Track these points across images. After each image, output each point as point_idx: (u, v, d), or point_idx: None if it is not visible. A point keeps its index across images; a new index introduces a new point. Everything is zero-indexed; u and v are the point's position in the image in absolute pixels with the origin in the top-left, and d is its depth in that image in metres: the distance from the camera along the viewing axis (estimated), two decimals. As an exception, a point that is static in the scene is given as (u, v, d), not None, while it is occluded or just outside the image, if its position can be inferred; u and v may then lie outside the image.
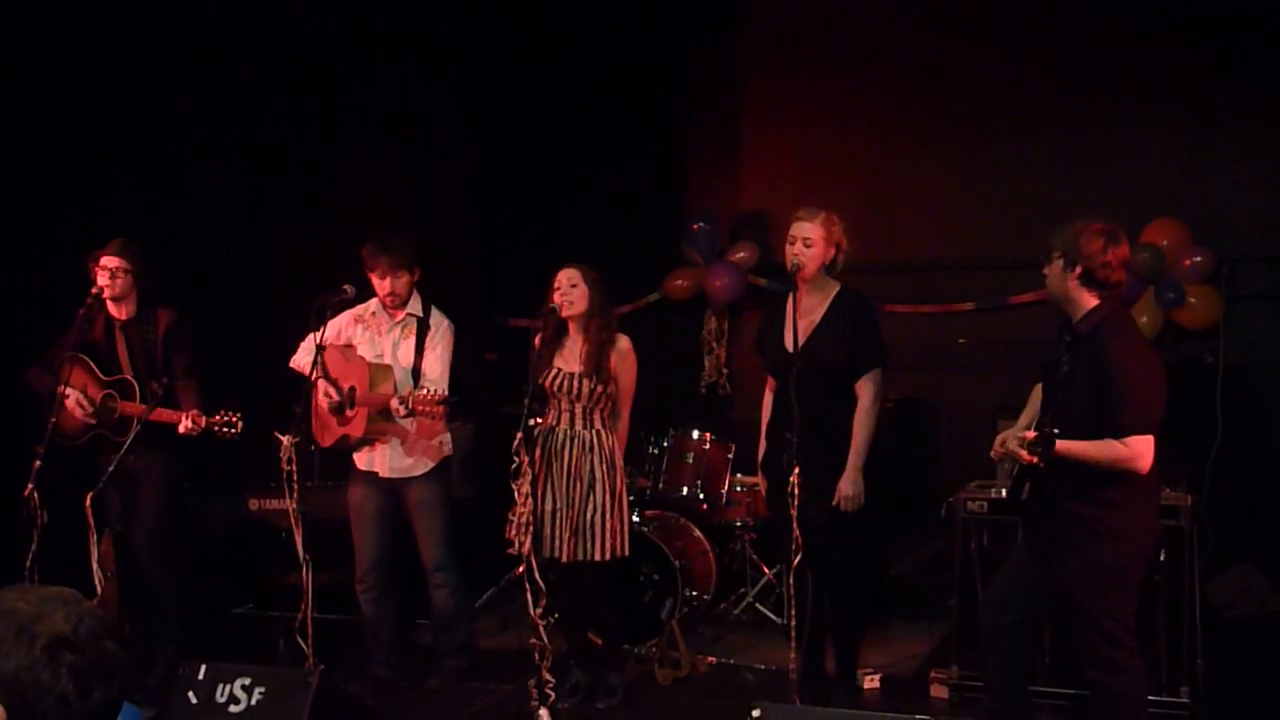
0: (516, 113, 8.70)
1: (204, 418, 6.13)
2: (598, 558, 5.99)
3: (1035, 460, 4.40)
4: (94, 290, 6.35)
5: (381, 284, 6.30)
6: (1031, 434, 4.43)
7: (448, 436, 6.49)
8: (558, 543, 5.97)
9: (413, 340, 6.36)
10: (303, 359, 6.42)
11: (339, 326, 6.42)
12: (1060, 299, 4.77)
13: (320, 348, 6.06)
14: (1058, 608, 4.83)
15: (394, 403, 6.01)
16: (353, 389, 6.20)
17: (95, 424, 6.34)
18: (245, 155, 8.41)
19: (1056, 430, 4.37)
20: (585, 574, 6.06)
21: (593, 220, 8.58)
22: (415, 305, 6.41)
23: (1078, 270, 4.65)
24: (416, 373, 6.30)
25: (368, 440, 6.32)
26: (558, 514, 5.98)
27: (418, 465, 6.38)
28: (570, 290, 6.01)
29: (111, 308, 6.45)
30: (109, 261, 6.36)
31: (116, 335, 6.47)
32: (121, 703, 2.48)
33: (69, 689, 2.35)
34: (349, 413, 6.23)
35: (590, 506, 5.97)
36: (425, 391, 5.96)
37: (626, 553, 6.15)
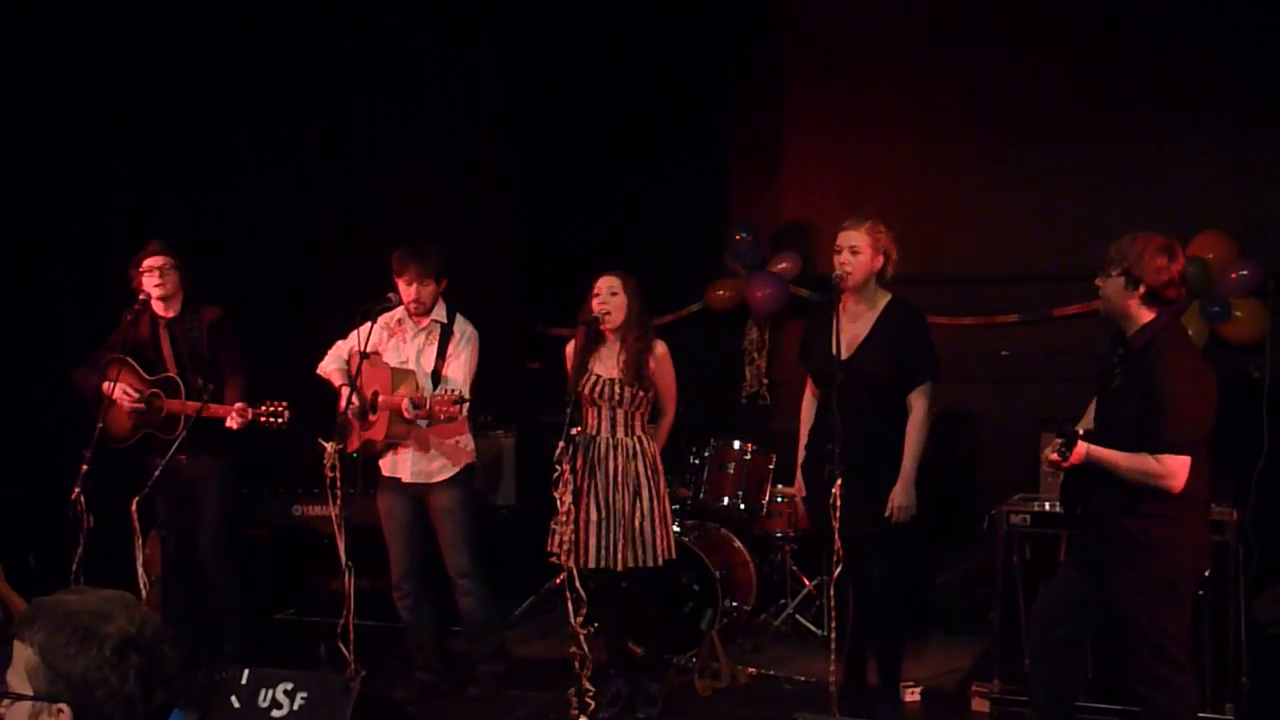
0: (559, 122, 8.72)
1: (250, 410, 6.19)
2: (650, 564, 6.02)
3: (1059, 460, 4.42)
4: (141, 295, 6.42)
5: (408, 290, 6.33)
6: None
7: (469, 441, 6.51)
8: (608, 552, 6.00)
9: (435, 347, 6.40)
10: (329, 365, 6.49)
11: (365, 334, 6.38)
12: (1117, 313, 4.73)
13: (364, 355, 6.11)
14: (1107, 622, 4.80)
15: (404, 404, 6.06)
16: (375, 393, 6.24)
17: (143, 417, 6.39)
18: (289, 162, 8.46)
19: (1080, 430, 4.35)
20: (641, 581, 6.08)
21: (635, 230, 8.58)
22: (440, 312, 6.45)
23: (1141, 290, 4.61)
24: (437, 377, 6.32)
25: (389, 444, 6.36)
26: (603, 523, 6.00)
27: (440, 470, 6.40)
28: (610, 299, 6.05)
29: (158, 307, 6.53)
30: (155, 261, 6.44)
31: (161, 333, 6.55)
32: (174, 706, 2.51)
33: (135, 691, 2.38)
34: (371, 417, 6.26)
35: (639, 514, 6.00)
36: (443, 392, 6.01)
37: (674, 555, 6.19)
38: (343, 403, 6.21)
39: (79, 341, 6.77)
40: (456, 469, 6.42)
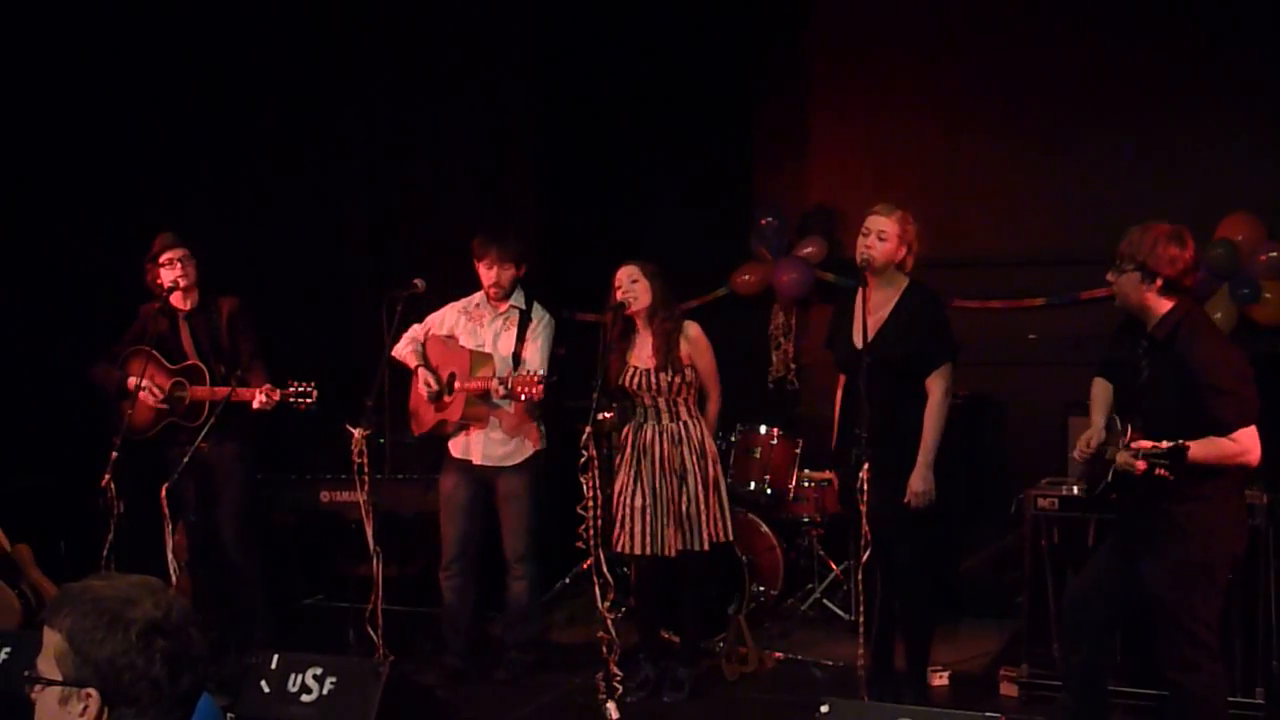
0: (585, 107, 8.71)
1: (278, 391, 6.23)
2: (697, 547, 6.05)
3: (1164, 474, 4.35)
4: (165, 287, 6.45)
5: (488, 274, 6.41)
6: (1148, 444, 4.35)
7: (542, 428, 6.55)
8: (657, 538, 6.04)
9: (514, 331, 6.46)
10: (404, 349, 6.55)
11: (443, 317, 6.57)
12: (1135, 308, 4.70)
13: (393, 339, 6.13)
14: (1140, 606, 4.78)
15: (494, 384, 6.12)
16: (452, 375, 6.32)
17: (168, 411, 6.43)
18: (315, 151, 8.49)
19: (1186, 445, 4.30)
20: (686, 565, 6.11)
21: (660, 215, 8.58)
22: (519, 299, 6.52)
23: (1158, 283, 4.58)
24: (517, 360, 6.38)
25: (463, 425, 6.42)
26: (647, 509, 6.05)
27: (511, 455, 6.46)
28: (632, 286, 6.07)
29: (176, 299, 6.54)
30: (175, 253, 6.48)
31: (180, 325, 6.58)
32: (201, 690, 2.52)
33: (162, 674, 2.40)
34: (446, 399, 6.35)
35: (685, 498, 6.04)
36: (524, 372, 6.03)
37: (730, 537, 6.24)
38: (418, 386, 6.36)
39: (106, 332, 6.80)
40: (527, 454, 6.48)
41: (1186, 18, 7.67)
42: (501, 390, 6.07)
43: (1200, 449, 4.41)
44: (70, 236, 7.76)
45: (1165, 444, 4.31)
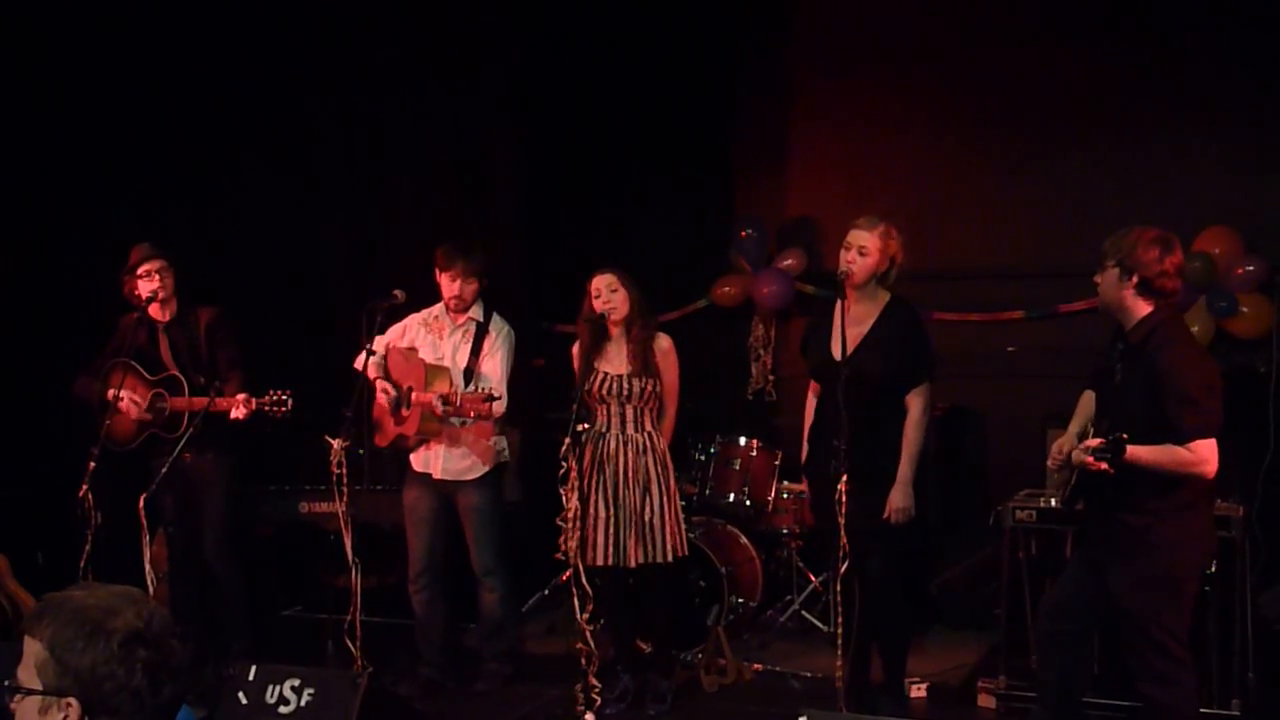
0: (566, 119, 8.72)
1: (254, 400, 6.21)
2: (660, 559, 6.02)
3: (1105, 466, 4.37)
4: (143, 298, 6.43)
5: (450, 286, 6.37)
6: (1098, 441, 4.40)
7: (504, 442, 6.54)
8: (619, 549, 6.00)
9: (470, 344, 6.41)
10: (364, 360, 6.49)
11: (405, 329, 6.50)
12: (1114, 307, 4.73)
13: (370, 351, 6.13)
14: (1110, 618, 4.79)
15: (434, 400, 6.06)
16: (410, 389, 6.28)
17: (149, 423, 6.42)
18: (294, 164, 8.47)
19: (1126, 435, 4.33)
20: (650, 577, 6.08)
21: (641, 226, 8.59)
22: (477, 311, 6.47)
23: (1134, 280, 4.61)
24: (469, 374, 6.34)
25: (421, 440, 6.38)
26: (611, 519, 6.00)
27: (471, 469, 6.42)
28: (611, 296, 6.06)
29: (154, 310, 6.53)
30: (150, 265, 6.47)
31: (159, 337, 6.57)
32: (182, 701, 2.52)
33: (143, 684, 2.40)
34: (404, 412, 6.31)
35: (648, 509, 6.01)
36: (475, 390, 6.02)
37: (686, 551, 6.20)
38: (380, 397, 6.32)
39: (86, 342, 6.78)
40: (487, 468, 6.45)
41: (1164, 32, 7.71)
42: (441, 407, 6.05)
43: (1152, 453, 4.44)
44: (48, 247, 7.75)
45: (1109, 438, 4.34)
